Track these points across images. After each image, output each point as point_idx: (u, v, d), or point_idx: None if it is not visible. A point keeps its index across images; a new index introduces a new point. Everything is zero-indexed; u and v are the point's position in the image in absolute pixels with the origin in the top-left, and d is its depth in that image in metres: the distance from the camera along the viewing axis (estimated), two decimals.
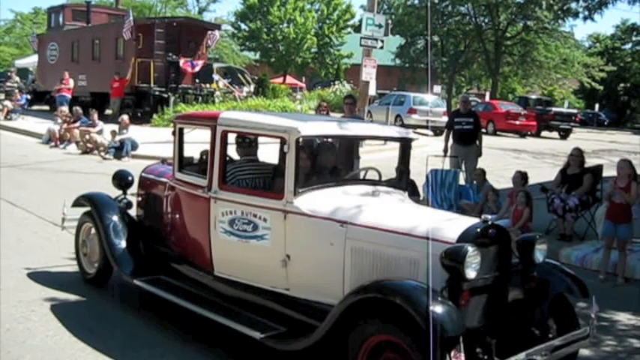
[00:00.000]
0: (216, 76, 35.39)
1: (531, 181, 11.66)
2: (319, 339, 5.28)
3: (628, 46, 63.90)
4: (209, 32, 33.36)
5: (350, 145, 7.27)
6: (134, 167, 15.11)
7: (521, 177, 11.24)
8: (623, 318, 7.94)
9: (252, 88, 39.82)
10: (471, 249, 4.95)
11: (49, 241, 9.78)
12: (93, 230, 7.84)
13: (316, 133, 6.20)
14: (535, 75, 53.03)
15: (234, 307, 6.28)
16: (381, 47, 20.96)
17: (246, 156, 6.91)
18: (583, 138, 35.88)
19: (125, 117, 21.10)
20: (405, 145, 6.85)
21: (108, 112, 30.14)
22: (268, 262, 6.03)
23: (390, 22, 30.29)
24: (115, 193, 8.29)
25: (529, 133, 37.14)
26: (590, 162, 12.76)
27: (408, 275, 5.24)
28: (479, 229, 5.29)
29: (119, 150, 19.73)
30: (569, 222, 11.31)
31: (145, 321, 6.99)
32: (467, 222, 5.50)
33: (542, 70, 51.77)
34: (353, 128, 6.67)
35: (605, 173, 12.28)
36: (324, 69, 58.43)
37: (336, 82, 48.89)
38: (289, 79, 55.49)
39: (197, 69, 31.32)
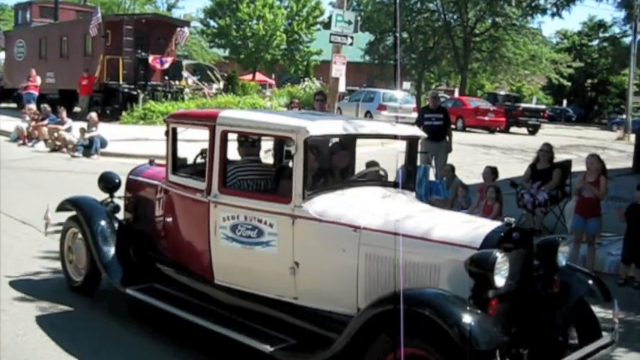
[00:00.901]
0: (185, 73, 35.28)
1: (501, 176, 11.56)
2: (338, 352, 4.95)
3: (595, 42, 64.50)
4: (178, 29, 33.27)
5: (353, 144, 6.90)
6: (104, 165, 14.82)
7: (491, 172, 11.14)
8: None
9: (221, 85, 39.69)
10: (499, 255, 4.68)
11: (18, 240, 9.45)
12: (79, 236, 7.41)
13: (325, 133, 5.83)
14: (504, 71, 53.10)
15: (237, 317, 5.92)
16: (351, 44, 20.64)
17: (247, 156, 6.52)
18: (551, 134, 36.01)
19: (94, 114, 20.82)
20: (412, 143, 6.54)
21: (76, 109, 29.67)
22: (275, 269, 5.68)
23: (359, 18, 30.19)
24: (100, 195, 7.87)
25: (498, 129, 37.19)
26: (558, 157, 12.73)
27: (429, 282, 4.99)
28: (503, 233, 5.02)
29: (88, 148, 19.52)
30: (539, 217, 11.25)
31: (136, 332, 6.61)
32: (488, 225, 5.23)
33: (511, 66, 51.79)
34: (361, 127, 6.34)
35: (574, 168, 12.25)
36: (294, 66, 57.95)
37: (306, 79, 48.34)
38: (259, 76, 54.97)
39: (166, 66, 31.22)
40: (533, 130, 38.31)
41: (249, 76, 52.87)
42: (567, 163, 12.34)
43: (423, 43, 53.79)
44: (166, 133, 6.73)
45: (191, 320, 6.02)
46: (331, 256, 5.42)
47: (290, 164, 5.78)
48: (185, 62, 38.65)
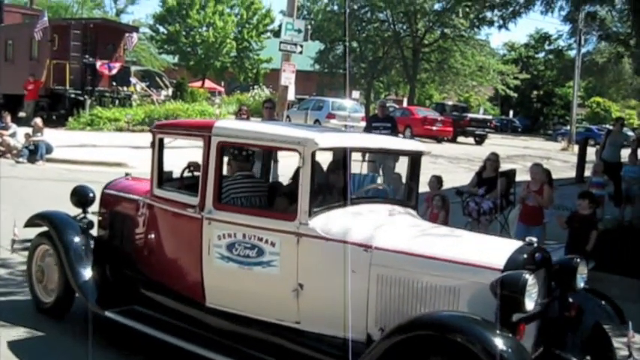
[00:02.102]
0: (133, 79, 34.97)
1: (448, 185, 11.49)
2: None
3: (541, 55, 65.48)
4: (127, 35, 32.94)
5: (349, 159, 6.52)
6: (49, 171, 14.24)
7: (437, 181, 11.04)
8: None
9: (170, 91, 39.21)
10: (530, 277, 4.40)
11: None
12: (50, 253, 6.86)
13: (334, 145, 5.44)
14: (452, 82, 53.68)
15: (230, 343, 5.48)
16: (300, 52, 20.95)
17: (240, 171, 6.01)
18: (498, 143, 36.27)
19: (38, 120, 20.37)
20: (415, 158, 6.20)
21: (21, 114, 28.78)
22: (276, 292, 5.27)
23: (309, 27, 30.11)
24: (73, 211, 7.30)
25: (445, 138, 37.35)
26: (504, 167, 12.75)
27: (447, 305, 4.69)
28: (526, 255, 4.71)
29: (33, 153, 19.01)
30: (484, 224, 11.17)
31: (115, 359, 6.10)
32: (509, 245, 4.93)
33: (459, 76, 52.41)
34: (369, 140, 5.98)
35: (519, 178, 12.25)
36: (244, 73, 57.49)
37: (255, 87, 48.22)
38: (208, 83, 54.41)
39: (114, 72, 31.20)
40: (480, 140, 38.55)
41: (199, 83, 52.22)
42: (512, 172, 12.33)
43: (372, 52, 53.97)
44: (152, 145, 6.25)
45: (180, 346, 5.56)
46: (339, 278, 5.02)
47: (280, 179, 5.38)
48: (133, 68, 38.02)
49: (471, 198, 11.17)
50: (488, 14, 16.92)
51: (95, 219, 7.19)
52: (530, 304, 4.43)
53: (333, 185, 5.66)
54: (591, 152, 19.53)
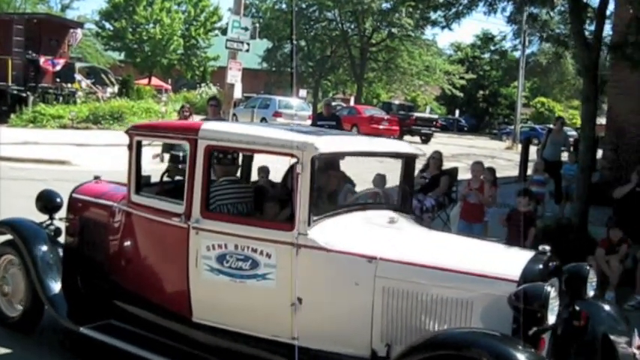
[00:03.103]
0: (78, 76, 34.33)
1: (392, 183, 11.38)
2: None
3: (487, 55, 66.16)
4: (71, 30, 32.42)
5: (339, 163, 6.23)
6: None
7: (380, 179, 10.95)
8: None
9: (115, 88, 38.47)
10: (552, 290, 4.19)
11: None
12: (15, 263, 6.37)
13: (335, 150, 5.12)
14: (399, 81, 53.99)
15: None
16: (247, 50, 21.01)
17: (226, 176, 5.64)
18: (444, 142, 36.48)
19: None
20: (409, 161, 5.93)
21: None
22: (272, 306, 4.93)
23: (257, 25, 29.91)
24: (39, 217, 6.83)
25: (392, 137, 37.35)
26: (448, 165, 12.70)
27: (459, 319, 4.46)
28: (542, 265, 4.49)
29: None
30: (426, 222, 11.07)
31: None
32: (522, 255, 4.70)
33: (406, 76, 52.75)
34: (368, 144, 5.68)
35: (462, 176, 12.23)
36: (191, 71, 56.77)
37: (203, 85, 47.60)
38: (155, 81, 53.55)
39: (58, 68, 30.73)
40: (426, 139, 38.75)
41: (145, 81, 51.29)
42: (454, 171, 12.32)
43: (320, 51, 53.88)
44: (129, 147, 5.81)
45: None
46: (341, 291, 4.74)
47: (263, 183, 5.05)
48: (78, 65, 37.20)
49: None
50: (432, 15, 17.10)
51: (63, 226, 6.73)
52: (552, 318, 4.22)
53: (330, 192, 5.35)
54: (534, 151, 19.74)
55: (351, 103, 50.18)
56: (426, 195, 10.91)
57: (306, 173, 4.72)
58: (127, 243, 5.88)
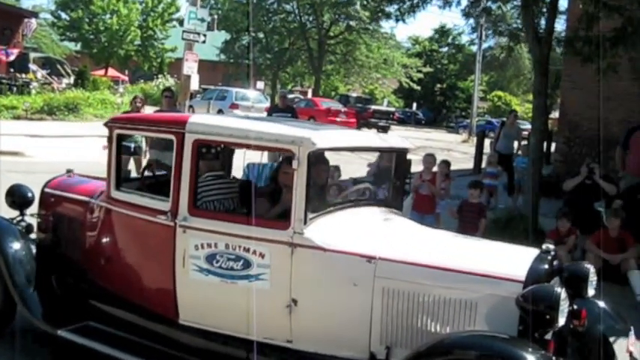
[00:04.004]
0: (33, 66, 33.57)
1: (347, 175, 11.35)
2: None
3: (444, 49, 66.49)
4: (25, 20, 31.59)
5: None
6: None
7: (334, 170, 10.95)
8: None
9: (71, 79, 37.57)
10: (562, 291, 4.08)
11: None
12: None
13: (331, 145, 4.91)
14: (356, 74, 53.98)
15: None
16: (204, 41, 20.78)
17: (210, 171, 5.36)
18: (401, 135, 36.51)
19: None
20: (401, 156, 5.77)
21: None
22: (266, 308, 4.69)
23: (215, 17, 29.74)
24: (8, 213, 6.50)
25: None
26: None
27: (462, 320, 4.32)
28: (546, 264, 4.38)
29: None
30: None
31: None
32: (525, 254, 4.58)
33: (363, 69, 52.75)
34: (363, 138, 5.50)
35: (417, 168, 12.29)
36: (148, 62, 55.83)
37: (160, 76, 46.92)
38: (112, 72, 52.47)
39: (12, 58, 30.25)
40: (383, 132, 38.58)
41: (102, 72, 50.27)
42: (408, 162, 12.34)
43: (278, 43, 53.68)
44: (109, 141, 5.53)
45: None
46: (339, 292, 4.56)
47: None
48: (33, 55, 36.27)
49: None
50: (387, 8, 17.23)
51: (34, 222, 6.42)
52: (562, 320, 4.10)
53: (322, 187, 5.16)
54: (489, 144, 19.97)
55: (309, 95, 50.13)
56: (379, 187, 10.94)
57: (303, 169, 4.52)
58: (107, 241, 5.60)
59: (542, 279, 4.26)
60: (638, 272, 8.58)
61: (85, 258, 5.84)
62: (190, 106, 26.58)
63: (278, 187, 5.20)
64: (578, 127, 16.23)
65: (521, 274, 4.26)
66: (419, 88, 56.95)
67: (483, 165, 17.44)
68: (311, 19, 52.47)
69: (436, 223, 9.44)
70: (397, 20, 16.18)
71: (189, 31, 19.96)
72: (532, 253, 4.58)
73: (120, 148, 5.57)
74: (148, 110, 13.01)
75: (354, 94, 49.84)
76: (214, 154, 5.43)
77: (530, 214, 11.16)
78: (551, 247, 4.56)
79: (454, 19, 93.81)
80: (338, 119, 36.25)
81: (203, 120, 5.11)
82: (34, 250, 6.00)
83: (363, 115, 39.23)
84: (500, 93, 61.33)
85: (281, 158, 5.62)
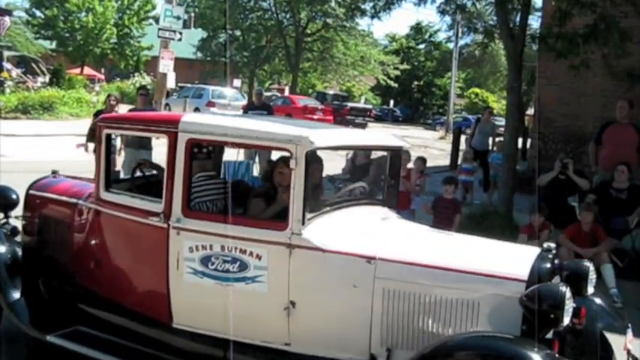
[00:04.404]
0: (7, 65, 33.15)
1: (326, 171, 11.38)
2: None
3: (422, 46, 66.60)
4: None
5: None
6: None
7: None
8: None
9: (46, 78, 37.32)
10: (567, 290, 4.04)
11: None
12: None
13: (329, 144, 4.82)
14: (334, 71, 53.77)
15: None
16: (180, 39, 21.20)
17: (202, 171, 5.26)
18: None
19: None
20: (395, 155, 5.70)
21: None
22: (263, 311, 4.62)
23: (192, 15, 29.64)
24: None
25: None
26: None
27: (464, 321, 4.26)
28: (548, 263, 4.33)
29: None
30: None
31: None
32: (526, 252, 4.53)
33: (341, 66, 52.57)
34: (360, 137, 5.42)
35: None
36: (124, 60, 55.36)
37: (136, 74, 46.55)
38: (87, 70, 52.05)
39: None
40: (360, 129, 38.99)
41: (78, 70, 49.79)
42: (383, 159, 12.42)
43: (255, 41, 53.40)
44: (98, 141, 5.39)
45: None
46: (338, 293, 4.47)
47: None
48: (7, 53, 35.89)
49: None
50: (362, 5, 17.36)
51: (19, 224, 6.26)
52: (567, 319, 4.05)
53: (318, 187, 5.07)
54: (464, 140, 20.04)
55: (286, 93, 50.06)
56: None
57: (300, 169, 4.42)
58: (96, 244, 5.45)
59: (544, 278, 4.22)
60: (610, 266, 8.61)
61: (73, 261, 5.70)
62: (167, 104, 26.59)
63: (273, 187, 5.09)
64: (553, 123, 16.39)
65: (523, 273, 4.21)
66: (396, 85, 57.02)
67: (460, 161, 17.54)
68: (288, 16, 52.15)
69: (412, 218, 9.42)
70: (372, 17, 16.25)
71: (164, 28, 20.24)
72: (533, 251, 4.53)
73: (109, 149, 5.43)
74: (122, 109, 12.96)
75: (331, 92, 49.89)
76: (206, 153, 5.33)
77: (505, 209, 11.31)
78: (552, 245, 4.51)
79: (431, 16, 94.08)
80: (315, 116, 36.36)
81: (196, 119, 5.00)
82: (19, 254, 5.87)
83: (340, 113, 39.31)
84: (477, 90, 61.52)
85: (273, 157, 5.50)
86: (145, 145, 11.35)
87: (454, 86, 45.88)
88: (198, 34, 50.17)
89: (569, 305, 4.06)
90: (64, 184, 6.20)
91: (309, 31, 51.98)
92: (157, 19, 52.91)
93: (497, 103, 55.16)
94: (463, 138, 21.49)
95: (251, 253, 4.57)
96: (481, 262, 4.35)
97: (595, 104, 15.02)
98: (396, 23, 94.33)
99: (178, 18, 20.92)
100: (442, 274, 4.30)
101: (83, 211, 5.61)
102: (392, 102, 60.53)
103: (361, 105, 47.20)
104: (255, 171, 12.24)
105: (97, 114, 12.05)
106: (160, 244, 4.85)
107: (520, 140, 21.17)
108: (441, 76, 63.13)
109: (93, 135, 11.55)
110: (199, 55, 53.06)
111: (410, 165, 9.93)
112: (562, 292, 3.99)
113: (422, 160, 10.63)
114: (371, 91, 63.09)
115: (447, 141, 34.43)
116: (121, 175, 11.74)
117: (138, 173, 5.99)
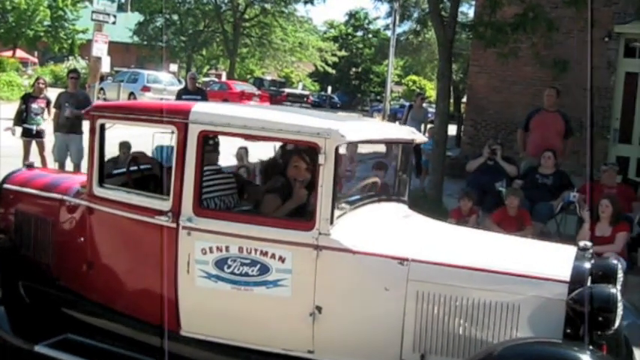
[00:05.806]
0: None
1: (255, 158, 11.29)
2: None
3: (360, 33, 66.54)
4: None
5: None
6: None
7: (244, 152, 10.77)
8: None
9: None
10: (617, 292, 3.89)
11: None
12: None
13: (360, 138, 4.50)
14: (272, 57, 53.39)
15: None
16: (114, 22, 20.60)
17: (208, 165, 4.79)
18: None
19: None
20: (407, 148, 5.44)
21: None
22: (286, 316, 4.32)
23: None
24: None
25: None
26: None
27: (503, 325, 4.05)
28: (588, 263, 4.15)
29: None
30: None
31: None
32: (563, 251, 4.35)
33: (279, 52, 52.20)
34: (386, 130, 5.14)
35: None
36: (58, 44, 53.33)
37: (71, 58, 45.21)
38: (20, 53, 50.23)
39: None
40: None
41: (9, 53, 48.08)
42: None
43: (193, 25, 52.60)
44: (91, 131, 4.98)
45: None
46: (368, 297, 4.21)
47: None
48: None
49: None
50: None
51: None
52: (617, 322, 3.89)
53: (340, 184, 4.76)
54: None
55: (224, 78, 49.51)
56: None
57: (330, 164, 4.11)
58: (88, 244, 5.04)
59: (585, 278, 4.03)
60: None
61: (59, 263, 5.29)
62: (101, 89, 25.85)
63: (287, 182, 4.75)
64: (485, 110, 16.63)
65: (565, 274, 4.02)
66: (334, 71, 56.89)
67: None
68: (226, 0, 51.51)
69: None
70: (306, 2, 16.39)
71: (98, 11, 19.72)
72: (570, 250, 4.34)
73: (103, 140, 4.99)
74: (51, 92, 12.78)
75: (269, 78, 49.59)
76: (212, 145, 4.97)
77: (435, 194, 11.58)
78: (589, 244, 4.32)
79: (369, 3, 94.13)
80: (251, 102, 36.29)
81: (209, 109, 4.59)
82: None
83: (276, 99, 39.60)
84: (414, 77, 61.77)
85: (282, 150, 5.15)
86: (76, 129, 11.43)
87: (391, 73, 45.90)
88: (135, 17, 49.03)
89: (620, 308, 3.88)
90: (43, 178, 5.78)
91: (247, 17, 51.39)
92: (91, 1, 51.71)
93: (434, 90, 55.44)
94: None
95: (273, 255, 4.26)
96: (519, 263, 4.14)
97: (525, 92, 15.35)
98: (335, 10, 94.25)
99: (112, 1, 20.29)
100: (479, 276, 4.08)
101: (72, 208, 5.19)
102: (330, 88, 60.32)
103: (299, 91, 47.05)
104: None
105: (24, 97, 12.27)
106: (167, 245, 4.49)
107: (455, 127, 21.56)
108: (379, 63, 63.10)
109: (19, 118, 11.16)
110: (136, 39, 51.92)
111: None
112: (614, 295, 3.84)
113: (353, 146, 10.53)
114: (309, 77, 62.79)
115: None
116: (51, 159, 11.46)
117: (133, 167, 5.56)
